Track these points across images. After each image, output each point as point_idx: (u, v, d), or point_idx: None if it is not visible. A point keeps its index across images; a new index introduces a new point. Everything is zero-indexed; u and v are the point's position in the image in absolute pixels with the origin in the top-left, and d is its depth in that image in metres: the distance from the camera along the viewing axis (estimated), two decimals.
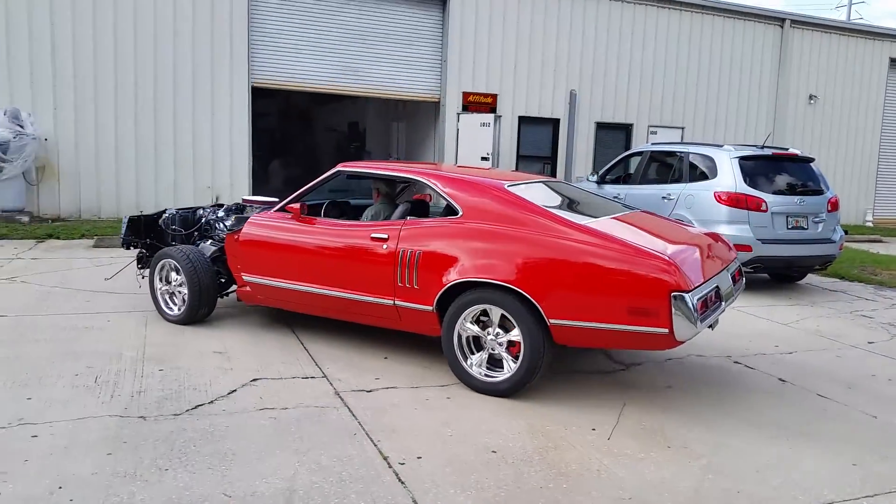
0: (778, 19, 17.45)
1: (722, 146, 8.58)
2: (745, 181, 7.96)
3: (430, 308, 4.52)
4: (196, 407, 3.99)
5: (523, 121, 14.93)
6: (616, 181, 10.12)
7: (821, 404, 4.46)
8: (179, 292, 5.64)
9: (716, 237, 5.04)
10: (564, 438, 3.76)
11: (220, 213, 6.24)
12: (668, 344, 3.92)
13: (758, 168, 8.18)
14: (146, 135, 12.13)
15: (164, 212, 6.40)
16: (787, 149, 8.83)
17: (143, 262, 6.31)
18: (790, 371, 5.14)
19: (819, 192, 8.27)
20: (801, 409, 4.35)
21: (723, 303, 4.26)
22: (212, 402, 4.08)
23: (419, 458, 3.46)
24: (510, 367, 4.28)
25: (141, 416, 3.81)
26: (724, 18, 16.77)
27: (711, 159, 8.35)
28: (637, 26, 15.75)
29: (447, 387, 4.49)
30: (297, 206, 5.19)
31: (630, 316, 3.90)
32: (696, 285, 3.88)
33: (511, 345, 4.29)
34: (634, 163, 9.93)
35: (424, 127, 15.58)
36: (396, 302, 4.68)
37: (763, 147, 8.57)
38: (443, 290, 4.41)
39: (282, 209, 5.36)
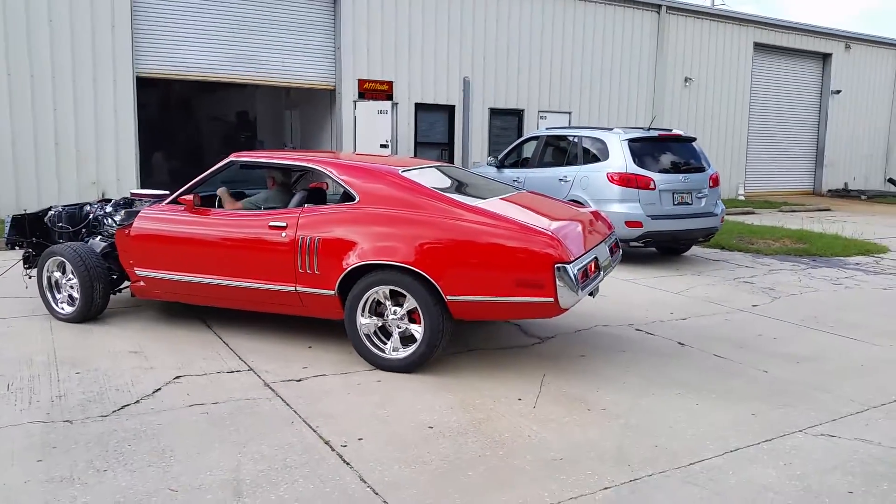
0: (654, 6, 18.41)
1: (612, 129, 9.07)
2: (635, 162, 8.47)
3: (332, 292, 4.65)
4: (122, 407, 3.90)
5: (420, 108, 15.07)
6: (514, 165, 10.47)
7: (718, 363, 4.90)
8: (69, 290, 5.53)
9: (596, 214, 5.46)
10: (494, 410, 3.97)
11: (109, 209, 6.08)
12: (553, 312, 4.27)
13: (645, 149, 8.71)
14: (24, 130, 11.36)
15: (49, 209, 6.23)
16: (670, 130, 9.46)
17: (29, 261, 6.13)
18: (687, 335, 5.59)
19: (701, 170, 8.92)
20: (701, 369, 4.77)
21: (601, 272, 4.67)
22: (138, 401, 4.00)
23: (360, 439, 3.56)
24: (412, 343, 4.53)
25: (66, 421, 3.70)
26: (605, 6, 17.52)
27: (603, 142, 8.82)
28: (524, 14, 16.20)
29: (376, 370, 4.60)
30: (189, 197, 5.16)
31: (518, 288, 4.23)
32: (576, 257, 4.24)
33: (412, 321, 4.54)
34: (531, 147, 10.30)
35: (320, 115, 15.41)
36: (298, 288, 4.78)
37: (649, 129, 9.13)
38: (343, 273, 4.56)
39: (174, 201, 5.33)
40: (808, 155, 22.52)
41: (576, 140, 9.30)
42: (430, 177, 5.13)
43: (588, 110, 17.43)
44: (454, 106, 15.50)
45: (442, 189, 4.90)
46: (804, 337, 5.63)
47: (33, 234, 6.15)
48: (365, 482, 3.12)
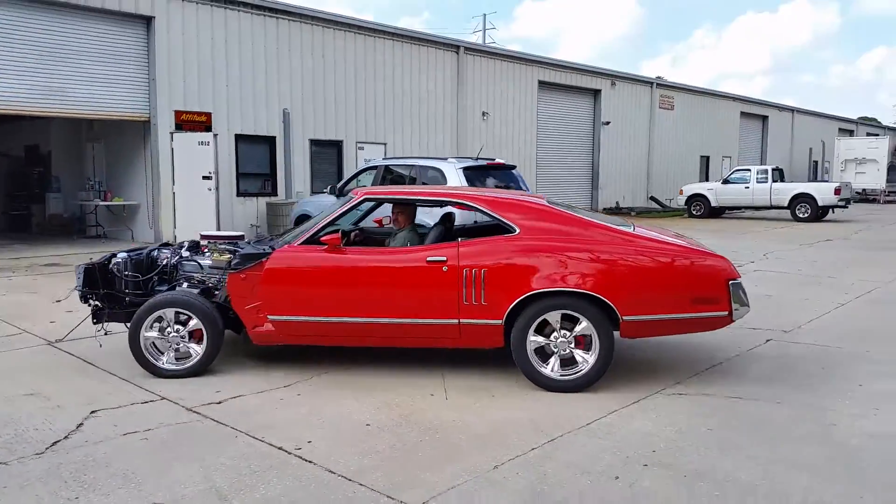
0: (454, 46, 20.00)
1: (447, 159, 9.99)
2: (472, 186, 9.42)
3: (500, 321, 4.73)
4: (54, 443, 3.89)
5: (241, 139, 15.05)
6: None
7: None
8: (178, 343, 5.08)
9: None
10: (415, 405, 4.51)
11: (185, 253, 5.60)
12: (725, 324, 4.77)
13: (476, 175, 9.71)
14: None
15: (112, 256, 5.56)
16: (493, 159, 10.59)
17: (99, 317, 5.44)
18: None
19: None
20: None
21: None
22: (67, 437, 4.00)
23: (309, 442, 3.92)
24: (588, 360, 4.68)
25: (1, 463, 3.64)
26: (412, 45, 18.73)
27: (440, 170, 9.69)
28: (338, 48, 16.85)
29: (292, 386, 4.92)
30: (334, 236, 4.96)
31: (695, 304, 4.68)
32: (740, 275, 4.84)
33: (577, 343, 4.72)
34: (369, 176, 10.92)
35: (131, 147, 14.78)
36: (461, 321, 4.78)
37: (477, 158, 10.17)
38: (515, 302, 4.65)
39: (310, 241, 5.08)
40: (585, 178, 25.47)
41: (414, 168, 10.08)
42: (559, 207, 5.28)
43: (402, 141, 18.43)
44: (275, 137, 15.67)
45: (587, 217, 5.14)
46: None
47: (104, 286, 5.42)
48: (334, 473, 3.52)
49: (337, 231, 5.09)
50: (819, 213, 20.75)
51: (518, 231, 4.86)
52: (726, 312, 4.67)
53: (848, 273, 10.14)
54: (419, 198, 5.82)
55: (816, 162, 41.73)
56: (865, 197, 32.49)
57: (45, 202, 17.04)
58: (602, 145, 25.50)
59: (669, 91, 29.24)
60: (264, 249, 5.20)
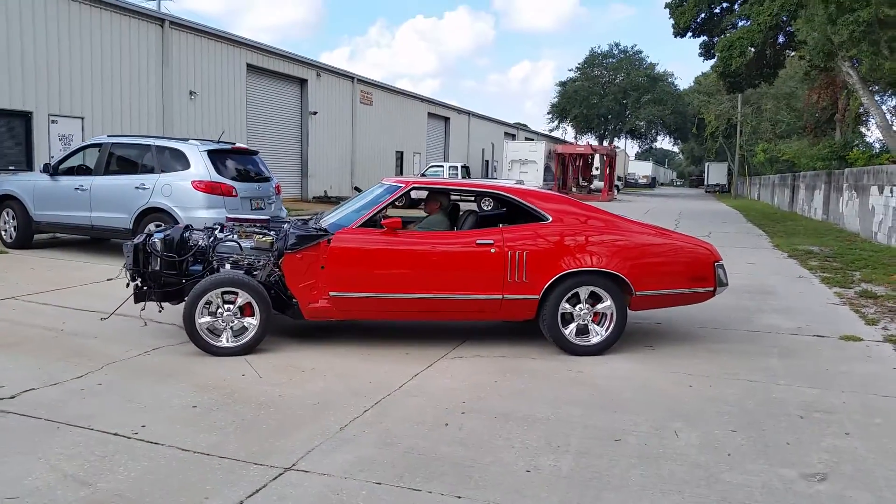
0: (158, 19, 18.79)
1: (188, 140, 9.69)
2: (217, 171, 9.32)
3: (537, 297, 5.52)
4: None
5: None
6: (71, 173, 10.05)
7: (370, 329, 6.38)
8: (231, 322, 5.30)
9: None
10: (236, 385, 4.66)
11: (222, 235, 5.78)
12: (708, 298, 5.98)
13: (220, 159, 9.59)
14: None
15: (148, 236, 5.64)
16: (234, 143, 10.51)
17: (141, 297, 5.59)
18: None
19: (267, 179, 10.26)
20: (357, 334, 6.17)
21: None
22: None
23: (143, 426, 3.90)
24: (600, 333, 5.62)
25: None
26: (111, 13, 17.17)
27: (182, 152, 9.38)
28: (26, 8, 14.80)
29: (84, 377, 4.68)
30: (395, 220, 5.52)
31: (691, 281, 5.81)
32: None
33: (593, 317, 5.65)
34: (91, 154, 10.04)
35: None
36: (505, 296, 5.52)
37: (219, 142, 10.02)
38: (552, 279, 5.48)
39: (368, 224, 5.63)
40: (295, 167, 25.80)
41: (150, 148, 9.57)
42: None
43: (101, 117, 16.89)
44: None
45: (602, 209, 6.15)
46: None
47: (147, 265, 5.56)
48: (188, 451, 3.60)
49: (389, 217, 5.63)
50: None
51: (550, 220, 5.69)
52: (711, 289, 5.86)
53: None
54: (461, 189, 6.42)
55: (488, 161, 47.37)
56: None
57: None
58: (310, 135, 26.02)
59: (369, 87, 30.86)
60: (316, 231, 5.55)
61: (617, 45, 64.05)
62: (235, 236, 5.76)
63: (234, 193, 9.33)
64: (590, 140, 62.46)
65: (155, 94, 18.71)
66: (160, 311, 6.06)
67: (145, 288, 5.59)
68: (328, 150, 27.29)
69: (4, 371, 4.73)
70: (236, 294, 5.27)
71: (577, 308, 5.61)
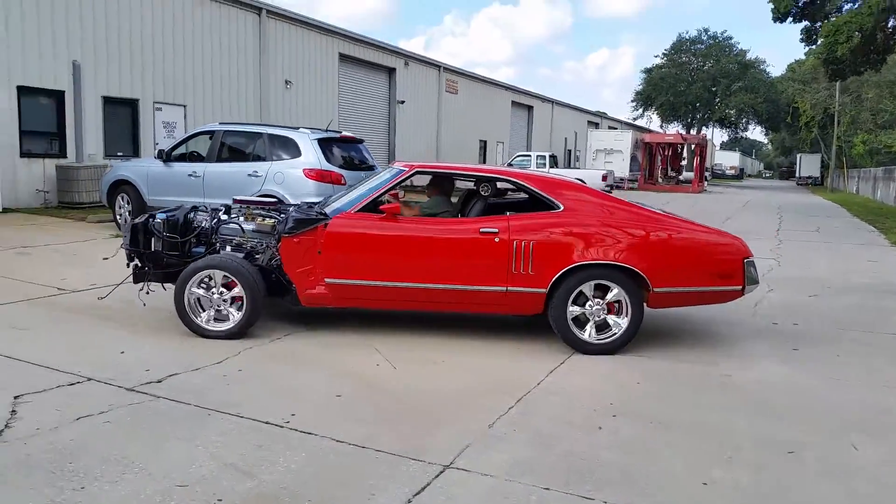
0: (256, 8, 19.14)
1: (298, 129, 9.76)
2: (326, 159, 9.36)
3: (545, 290, 5.10)
4: None
5: (24, 91, 13.13)
6: (183, 159, 10.30)
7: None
8: (220, 305, 5.21)
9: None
10: (372, 375, 4.60)
11: (225, 217, 5.71)
12: (737, 297, 5.35)
13: (329, 147, 9.65)
14: None
15: (150, 216, 5.58)
16: (340, 132, 10.55)
17: (140, 278, 5.58)
18: None
19: (372, 168, 10.24)
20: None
21: None
22: (7, 426, 3.51)
23: (293, 415, 3.86)
24: (619, 325, 5.17)
25: None
26: (211, 1, 17.56)
27: (293, 140, 9.46)
28: (134, 1, 15.32)
29: (223, 362, 4.71)
30: (394, 205, 5.27)
31: (715, 279, 5.22)
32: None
33: (609, 310, 5.18)
34: (203, 142, 10.27)
35: None
36: (509, 288, 5.12)
37: (327, 130, 10.07)
38: (561, 272, 5.05)
39: (367, 209, 5.32)
40: (382, 156, 25.93)
41: (262, 136, 9.70)
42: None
43: (203, 106, 17.35)
44: (63, 91, 13.90)
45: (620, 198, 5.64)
46: None
47: (146, 246, 5.51)
48: (343, 442, 3.53)
49: (389, 202, 5.40)
50: None
51: (562, 208, 5.26)
52: (740, 287, 5.28)
53: None
54: (466, 173, 6.08)
55: (570, 150, 46.58)
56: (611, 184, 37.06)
57: None
58: (398, 124, 26.13)
59: (454, 76, 30.74)
60: (316, 215, 5.34)
61: (706, 30, 61.46)
62: (241, 219, 5.67)
63: (342, 182, 9.34)
64: (678, 129, 60.61)
65: (253, 83, 19.11)
66: (165, 290, 5.70)
67: (145, 269, 5.53)
68: (414, 139, 27.34)
69: (149, 354, 4.81)
70: (235, 282, 5.14)
71: (587, 305, 5.18)
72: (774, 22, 29.72)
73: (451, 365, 4.92)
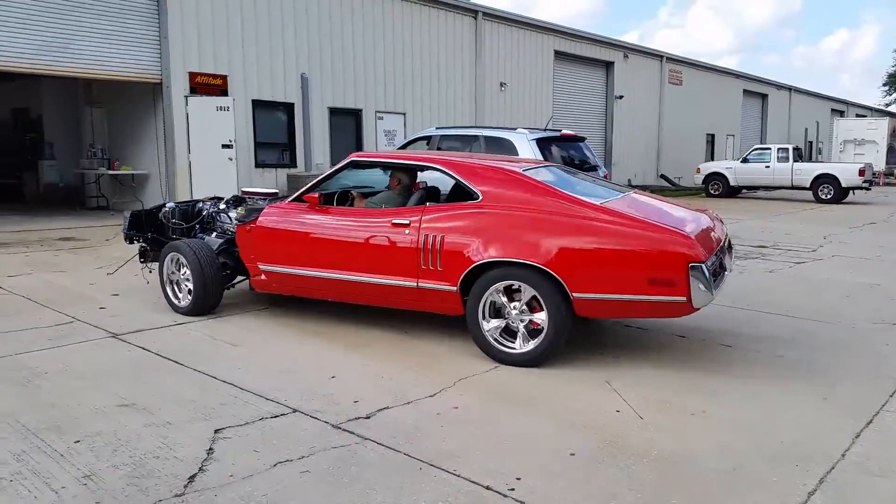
0: (472, 11, 18.95)
1: (515, 129, 9.11)
2: (545, 159, 8.57)
3: (454, 288, 4.64)
4: (191, 478, 3.03)
5: (258, 105, 13.96)
6: None
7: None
8: (186, 284, 5.71)
9: (712, 214, 5.25)
10: (612, 425, 3.71)
11: (222, 206, 6.21)
12: (685, 311, 4.19)
13: (548, 147, 8.86)
14: None
15: (163, 205, 6.39)
16: (560, 130, 9.73)
17: (145, 256, 6.40)
18: None
19: (595, 168, 9.30)
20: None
21: (725, 272, 4.63)
22: (202, 469, 3.13)
23: (518, 479, 3.10)
24: (531, 339, 4.49)
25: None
26: (429, 8, 17.62)
27: (510, 141, 8.81)
28: (356, 10, 15.73)
29: (449, 390, 4.08)
30: (314, 195, 5.30)
31: (650, 286, 4.16)
32: (708, 257, 4.13)
33: (532, 320, 4.50)
34: (422, 147, 10.00)
35: (137, 112, 13.61)
36: (419, 283, 4.79)
37: (546, 129, 9.31)
38: (466, 270, 4.55)
39: (297, 199, 5.42)
40: (598, 154, 24.72)
41: (479, 139, 9.19)
42: (547, 176, 5.00)
43: (421, 112, 17.46)
44: (293, 104, 14.59)
45: (563, 188, 4.71)
46: None
47: (150, 230, 6.34)
48: None
49: (328, 192, 5.55)
50: (841, 195, 20.26)
51: (481, 198, 4.69)
52: (684, 298, 4.10)
53: None
54: (403, 162, 5.56)
55: (811, 142, 41.57)
56: None
57: (39, 170, 15.78)
58: (615, 120, 24.76)
59: (678, 65, 28.54)
60: (266, 205, 5.61)
61: None
62: (241, 209, 5.93)
63: None
64: None
65: (469, 87, 18.95)
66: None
67: (151, 250, 6.31)
68: (633, 135, 25.72)
69: (359, 381, 4.33)
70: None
71: (509, 310, 4.54)
72: None
73: (710, 416, 3.86)
